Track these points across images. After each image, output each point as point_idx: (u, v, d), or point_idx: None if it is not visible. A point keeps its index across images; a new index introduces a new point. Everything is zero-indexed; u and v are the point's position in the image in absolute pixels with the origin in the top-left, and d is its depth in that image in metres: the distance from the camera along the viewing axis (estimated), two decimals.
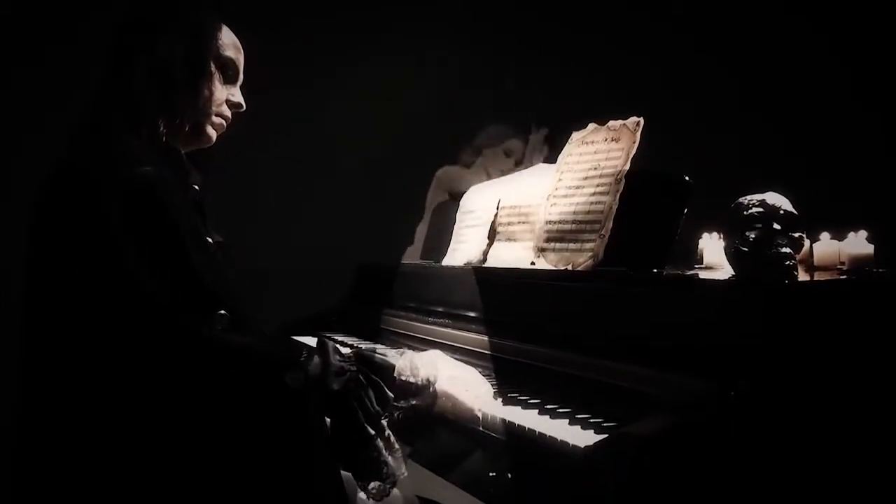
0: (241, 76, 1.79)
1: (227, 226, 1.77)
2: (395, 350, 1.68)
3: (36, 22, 3.14)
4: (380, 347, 1.66)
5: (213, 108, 1.72)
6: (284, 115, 3.59)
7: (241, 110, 1.79)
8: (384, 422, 1.54)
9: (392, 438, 1.54)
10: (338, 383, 1.51)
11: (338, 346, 1.58)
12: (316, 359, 1.51)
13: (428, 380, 1.64)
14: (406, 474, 1.57)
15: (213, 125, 1.74)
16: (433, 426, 1.72)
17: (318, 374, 1.49)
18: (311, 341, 2.37)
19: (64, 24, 3.12)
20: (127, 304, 1.40)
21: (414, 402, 1.61)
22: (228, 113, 1.76)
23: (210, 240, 1.58)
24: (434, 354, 1.72)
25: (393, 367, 1.62)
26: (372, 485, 1.52)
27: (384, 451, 1.52)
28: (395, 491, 1.70)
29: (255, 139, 3.49)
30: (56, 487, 1.46)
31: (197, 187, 1.67)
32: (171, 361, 1.42)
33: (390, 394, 1.57)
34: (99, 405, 1.43)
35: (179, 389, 1.42)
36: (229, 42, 1.75)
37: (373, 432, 1.52)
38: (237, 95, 1.78)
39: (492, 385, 1.79)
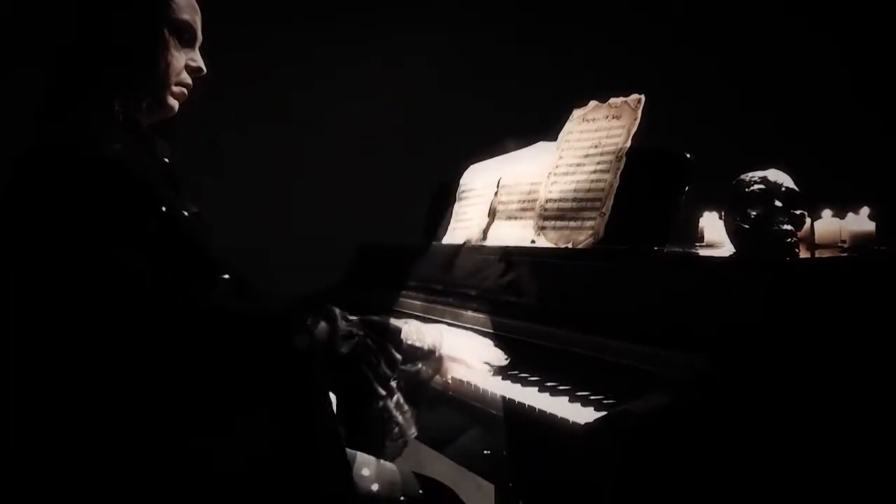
0: (200, 37, 1.69)
1: (220, 205, 1.73)
2: (399, 320, 1.69)
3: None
4: (384, 317, 1.67)
5: (173, 79, 1.63)
6: (279, 92, 3.58)
7: (202, 74, 1.69)
8: (393, 384, 1.55)
9: (402, 399, 1.56)
10: (346, 347, 1.52)
11: (345, 312, 1.59)
12: (323, 324, 1.51)
13: (434, 345, 1.66)
14: (416, 434, 1.59)
15: (174, 95, 1.65)
16: (438, 393, 1.75)
17: (327, 339, 1.50)
18: None
19: None
20: (124, 288, 1.37)
21: (421, 367, 1.63)
22: (189, 80, 1.67)
23: (186, 213, 1.53)
24: (439, 325, 1.75)
25: (400, 330, 1.63)
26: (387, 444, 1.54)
27: (395, 411, 1.54)
28: (393, 466, 1.71)
29: (250, 118, 3.50)
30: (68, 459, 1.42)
31: (167, 160, 1.62)
32: (179, 335, 1.40)
33: (398, 356, 1.58)
34: (103, 399, 1.39)
35: (190, 360, 1.40)
36: (184, 3, 1.65)
37: (384, 393, 1.53)
38: (197, 59, 1.68)
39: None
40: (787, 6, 3.56)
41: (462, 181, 2.60)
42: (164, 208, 1.43)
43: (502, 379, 1.71)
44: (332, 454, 1.49)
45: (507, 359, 1.77)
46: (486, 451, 1.80)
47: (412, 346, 1.63)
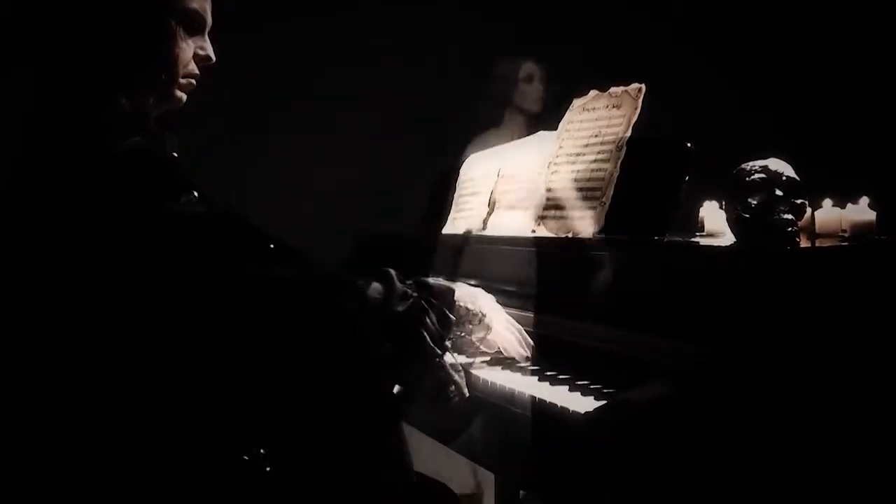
0: (210, 21, 1.62)
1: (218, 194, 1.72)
2: (452, 283, 1.71)
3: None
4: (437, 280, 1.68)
5: (181, 71, 1.58)
6: (276, 84, 3.57)
7: (211, 63, 1.63)
8: (448, 343, 1.57)
9: (456, 359, 1.58)
10: (402, 306, 1.52)
11: (398, 274, 1.59)
12: (377, 284, 1.52)
13: (484, 310, 1.69)
14: (469, 395, 1.60)
15: (181, 87, 1.60)
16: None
17: (382, 298, 1.50)
18: None
19: None
20: (171, 269, 1.37)
21: (471, 329, 1.67)
22: (196, 70, 1.61)
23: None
24: (486, 293, 1.76)
25: (453, 292, 1.64)
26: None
27: (451, 370, 1.56)
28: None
29: (248, 108, 3.49)
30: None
31: (175, 154, 1.59)
32: (234, 307, 1.41)
33: (452, 317, 1.60)
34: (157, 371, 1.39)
35: (247, 330, 1.41)
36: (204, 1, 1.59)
37: (440, 352, 1.54)
38: (206, 47, 1.61)
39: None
40: None
41: (462, 171, 2.59)
42: (195, 192, 1.43)
43: (502, 368, 1.71)
44: (386, 425, 1.51)
45: (527, 357, 1.77)
46: (486, 441, 1.80)
47: (466, 309, 1.66)
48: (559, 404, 1.49)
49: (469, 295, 1.68)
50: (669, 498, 1.32)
